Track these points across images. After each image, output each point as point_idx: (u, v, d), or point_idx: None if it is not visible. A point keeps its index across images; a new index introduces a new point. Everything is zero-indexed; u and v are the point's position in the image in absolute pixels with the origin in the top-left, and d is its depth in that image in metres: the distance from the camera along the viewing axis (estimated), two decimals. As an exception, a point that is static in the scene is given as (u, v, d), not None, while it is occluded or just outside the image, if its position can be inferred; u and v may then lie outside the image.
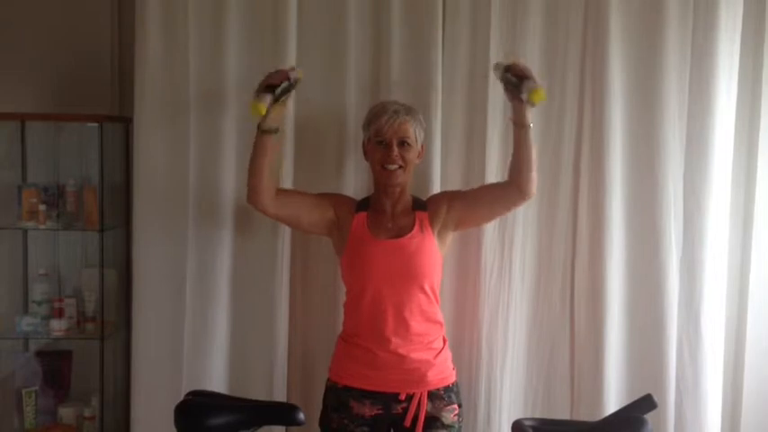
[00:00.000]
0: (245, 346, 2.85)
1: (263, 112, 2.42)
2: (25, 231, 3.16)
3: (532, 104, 2.41)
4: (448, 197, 2.61)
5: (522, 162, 2.50)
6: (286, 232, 2.80)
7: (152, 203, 2.83)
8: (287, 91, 2.47)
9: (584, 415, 2.78)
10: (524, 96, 2.38)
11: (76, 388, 3.17)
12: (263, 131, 2.49)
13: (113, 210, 3.08)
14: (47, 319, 3.08)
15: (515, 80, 2.41)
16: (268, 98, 2.42)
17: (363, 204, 2.61)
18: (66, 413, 3.09)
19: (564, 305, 2.86)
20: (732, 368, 2.98)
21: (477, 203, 2.60)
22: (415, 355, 2.46)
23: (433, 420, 2.44)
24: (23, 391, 3.06)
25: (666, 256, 2.80)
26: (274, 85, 2.44)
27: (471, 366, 2.81)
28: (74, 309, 3.11)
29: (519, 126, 2.48)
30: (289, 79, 2.46)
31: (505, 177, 2.59)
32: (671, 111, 2.79)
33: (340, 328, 2.61)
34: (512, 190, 2.54)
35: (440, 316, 2.55)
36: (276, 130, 2.51)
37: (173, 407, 2.40)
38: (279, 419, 2.50)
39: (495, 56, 2.73)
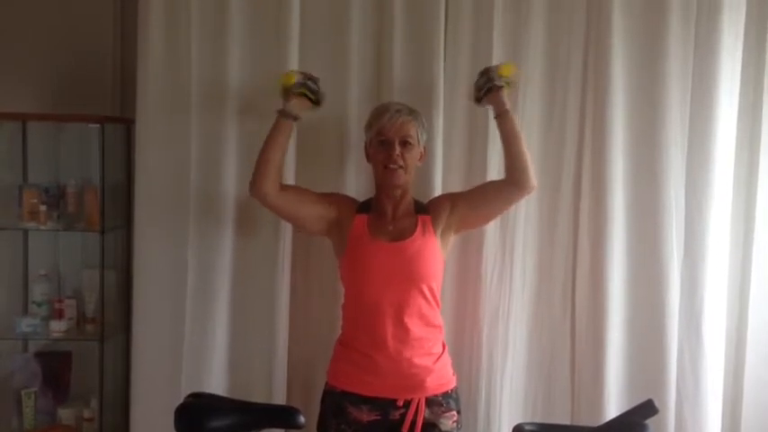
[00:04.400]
0: (246, 349, 2.84)
1: (293, 79, 2.53)
2: (26, 232, 3.16)
3: (505, 77, 2.52)
4: (450, 199, 2.61)
5: (513, 154, 2.52)
6: (287, 234, 2.80)
7: (153, 205, 2.82)
8: (315, 84, 2.59)
9: (585, 420, 2.78)
10: (493, 75, 2.51)
11: (76, 389, 3.17)
12: (283, 115, 2.53)
13: (114, 211, 3.08)
14: (47, 319, 3.08)
15: (481, 77, 2.58)
16: (300, 75, 2.56)
17: (365, 206, 2.60)
18: (66, 414, 3.09)
19: (564, 310, 2.86)
20: (732, 373, 2.97)
21: (478, 203, 2.59)
22: (413, 361, 2.44)
23: (431, 427, 2.43)
24: (23, 392, 3.06)
25: (667, 262, 2.80)
26: (308, 76, 2.58)
27: (471, 371, 2.80)
28: (74, 310, 3.12)
29: (500, 115, 2.54)
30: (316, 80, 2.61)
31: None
32: (673, 115, 2.79)
33: (340, 331, 2.61)
34: (510, 185, 2.55)
35: (439, 320, 2.54)
36: (295, 118, 2.56)
37: (172, 409, 2.39)
38: (279, 422, 2.49)
39: (498, 58, 2.73)
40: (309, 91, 2.58)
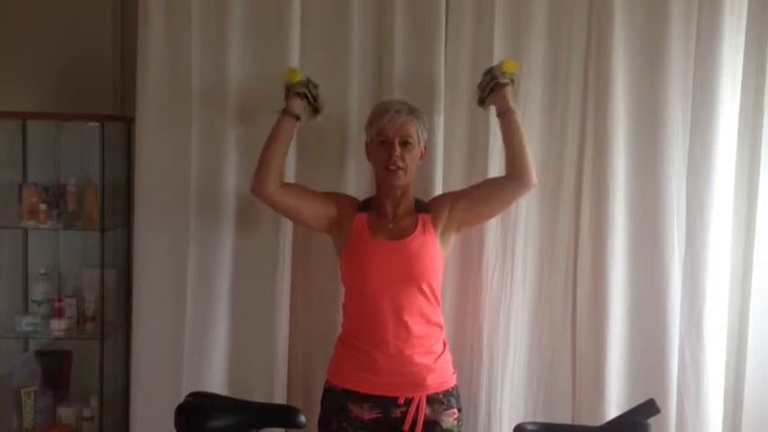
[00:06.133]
0: (246, 348, 2.84)
1: (298, 77, 2.57)
2: (26, 231, 3.15)
3: (508, 74, 2.55)
4: (450, 198, 2.60)
5: (514, 151, 2.52)
6: (287, 233, 2.80)
7: (153, 203, 2.82)
8: (316, 90, 2.62)
9: (586, 419, 2.78)
10: (497, 73, 2.52)
11: (76, 388, 3.16)
12: (286, 113, 2.54)
13: (114, 209, 3.08)
14: (47, 318, 3.08)
15: (485, 76, 2.59)
16: (302, 76, 2.59)
17: (365, 205, 2.60)
18: (66, 413, 3.08)
19: (566, 309, 2.86)
20: (733, 374, 2.97)
21: (478, 200, 2.59)
22: (414, 359, 2.44)
23: (432, 424, 2.43)
24: (22, 391, 3.05)
25: (669, 261, 2.79)
26: (310, 80, 2.62)
27: (472, 370, 2.80)
28: (74, 309, 3.11)
29: (503, 112, 2.54)
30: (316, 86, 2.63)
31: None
32: (674, 114, 2.78)
33: (340, 330, 2.60)
34: (510, 182, 2.55)
35: (440, 318, 2.54)
36: (298, 118, 2.57)
37: (172, 408, 2.39)
38: (279, 422, 2.49)
39: (499, 56, 2.73)
40: (310, 94, 2.59)
